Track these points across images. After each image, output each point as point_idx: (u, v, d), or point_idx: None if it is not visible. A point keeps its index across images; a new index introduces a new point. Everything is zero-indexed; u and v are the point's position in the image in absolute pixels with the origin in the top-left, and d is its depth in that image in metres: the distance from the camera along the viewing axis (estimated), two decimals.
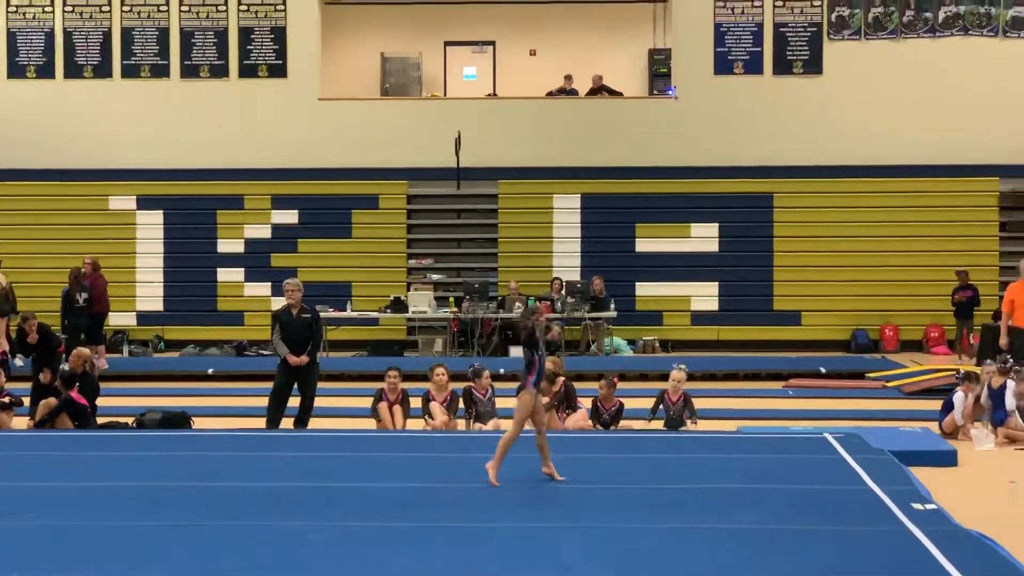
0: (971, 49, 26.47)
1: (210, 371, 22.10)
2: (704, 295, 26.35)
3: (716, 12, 26.79)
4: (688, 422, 15.26)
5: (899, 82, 26.33)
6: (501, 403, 15.61)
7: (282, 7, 27.05)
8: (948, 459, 13.40)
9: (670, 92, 27.24)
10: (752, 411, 17.58)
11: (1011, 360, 15.65)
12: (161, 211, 26.80)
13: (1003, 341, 16.45)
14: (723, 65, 26.80)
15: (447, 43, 29.16)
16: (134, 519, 10.12)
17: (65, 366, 16.09)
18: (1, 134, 26.68)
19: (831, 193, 26.29)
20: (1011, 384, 15.20)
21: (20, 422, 16.06)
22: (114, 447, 13.98)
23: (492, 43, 29.19)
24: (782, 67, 26.69)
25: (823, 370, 21.56)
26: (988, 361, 16.12)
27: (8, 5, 27.05)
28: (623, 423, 15.49)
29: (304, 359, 15.14)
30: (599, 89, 27.72)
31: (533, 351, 11.27)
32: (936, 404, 16.26)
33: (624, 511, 10.42)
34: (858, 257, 26.07)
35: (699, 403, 15.73)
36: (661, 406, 15.39)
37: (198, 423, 16.03)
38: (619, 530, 9.69)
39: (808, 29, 26.66)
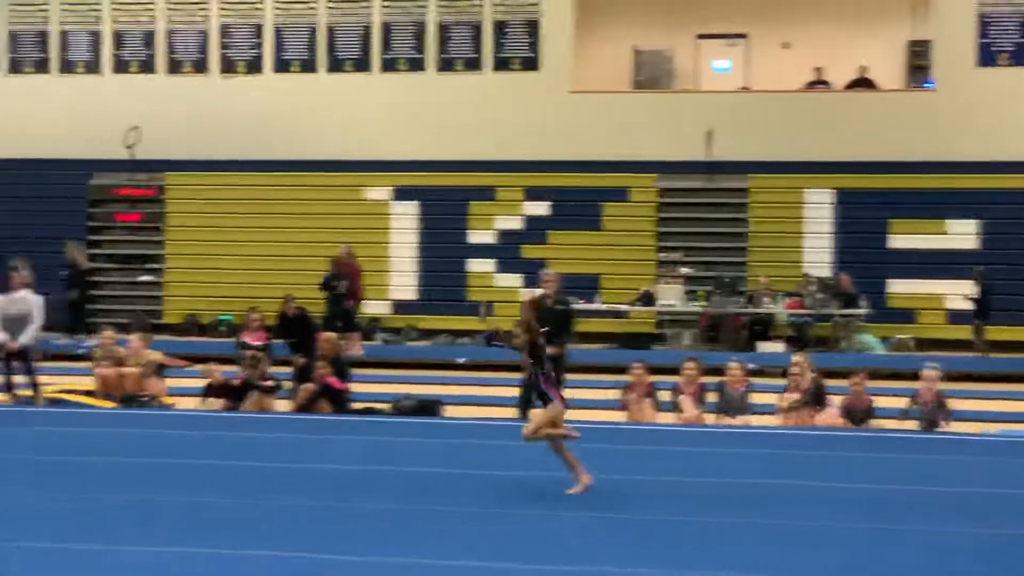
0: None
1: (460, 360, 22.44)
2: (961, 294, 25.47)
3: (980, 2, 25.97)
4: (942, 423, 14.92)
5: None
6: (753, 398, 15.54)
7: (536, 1, 27.36)
8: None
9: (928, 84, 26.51)
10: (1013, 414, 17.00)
11: None
12: (416, 202, 27.37)
13: None
14: (987, 56, 25.97)
15: (699, 36, 29.02)
16: (402, 503, 10.33)
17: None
18: (265, 125, 27.65)
19: None
20: None
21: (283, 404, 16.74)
22: (367, 432, 14.41)
23: (744, 36, 28.92)
24: None
25: None
26: None
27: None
28: (874, 422, 15.25)
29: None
30: (861, 80, 27.19)
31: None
32: None
33: (869, 512, 10.25)
34: None
35: (954, 404, 15.34)
36: (914, 406, 15.10)
37: (448, 411, 16.38)
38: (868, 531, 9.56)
39: None
